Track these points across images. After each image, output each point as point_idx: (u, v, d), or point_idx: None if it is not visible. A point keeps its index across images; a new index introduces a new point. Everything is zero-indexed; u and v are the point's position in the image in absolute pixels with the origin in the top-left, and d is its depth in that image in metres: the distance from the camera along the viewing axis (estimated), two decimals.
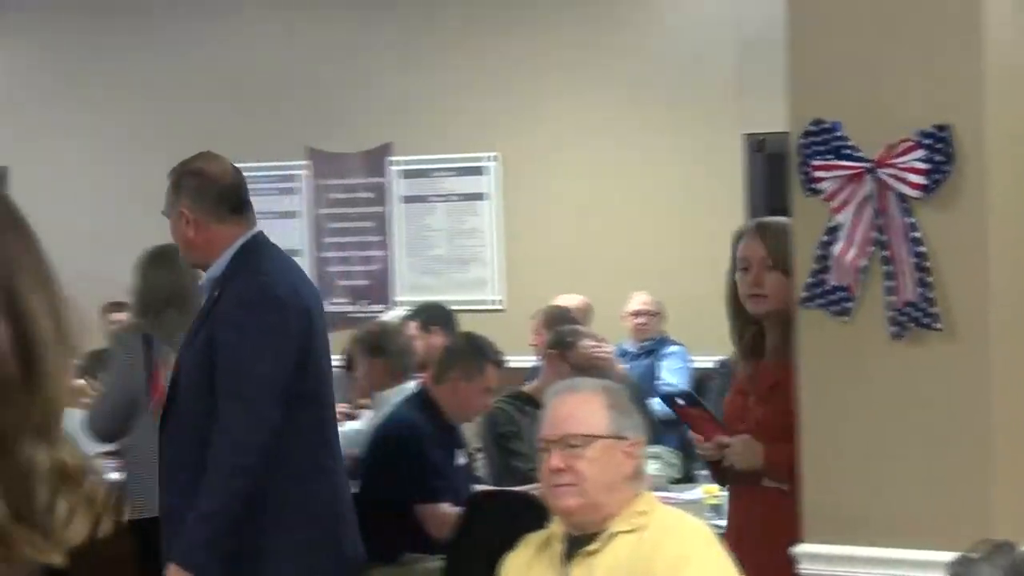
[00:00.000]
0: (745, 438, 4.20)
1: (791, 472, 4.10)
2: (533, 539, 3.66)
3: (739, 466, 4.19)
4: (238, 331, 4.21)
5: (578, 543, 3.52)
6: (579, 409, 3.58)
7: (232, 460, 4.13)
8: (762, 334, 4.35)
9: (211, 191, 4.41)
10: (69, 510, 1.35)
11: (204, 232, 4.37)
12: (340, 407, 6.97)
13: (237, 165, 9.53)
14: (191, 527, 4.14)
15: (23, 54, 10.44)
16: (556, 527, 3.60)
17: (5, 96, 10.45)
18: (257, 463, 4.14)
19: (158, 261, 5.79)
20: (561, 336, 6.64)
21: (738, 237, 4.43)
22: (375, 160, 9.67)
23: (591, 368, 6.24)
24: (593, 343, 6.54)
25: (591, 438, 3.53)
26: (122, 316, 8.51)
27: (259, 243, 4.42)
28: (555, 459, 3.52)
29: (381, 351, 6.45)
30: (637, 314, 8.29)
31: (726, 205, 8.86)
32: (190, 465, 4.21)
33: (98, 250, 9.76)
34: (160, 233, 6.24)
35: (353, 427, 6.52)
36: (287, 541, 4.25)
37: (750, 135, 8.95)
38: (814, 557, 3.89)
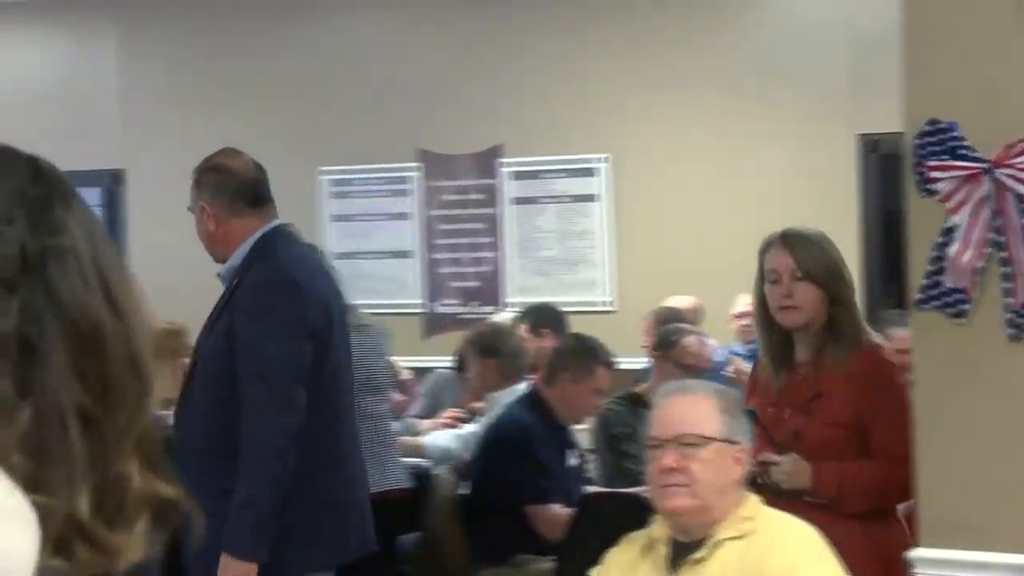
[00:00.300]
0: (794, 457, 4.14)
1: (838, 490, 4.06)
2: (636, 539, 3.62)
3: (785, 485, 4.12)
4: (254, 315, 4.26)
5: (683, 549, 3.48)
6: (692, 410, 3.55)
7: (266, 443, 4.17)
8: (789, 344, 4.31)
9: (229, 186, 4.47)
10: (142, 531, 1.39)
11: (224, 226, 4.44)
12: (451, 412, 7.02)
13: (351, 167, 9.59)
14: (236, 515, 4.19)
15: (139, 55, 10.57)
16: (659, 529, 3.56)
17: (121, 98, 10.59)
18: (290, 443, 4.17)
19: None
20: (664, 336, 6.62)
21: (765, 248, 4.39)
22: (486, 162, 9.69)
23: (695, 368, 6.23)
24: (696, 341, 6.51)
25: (706, 439, 3.50)
26: None
27: (278, 234, 4.47)
28: (668, 458, 3.48)
29: (494, 352, 6.46)
30: (742, 316, 8.24)
31: (839, 207, 8.78)
32: (201, 452, 4.26)
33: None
34: None
35: (469, 430, 6.54)
36: (301, 532, 4.26)
37: (864, 135, 8.87)
38: (930, 562, 3.85)
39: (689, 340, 6.47)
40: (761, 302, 4.34)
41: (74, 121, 10.60)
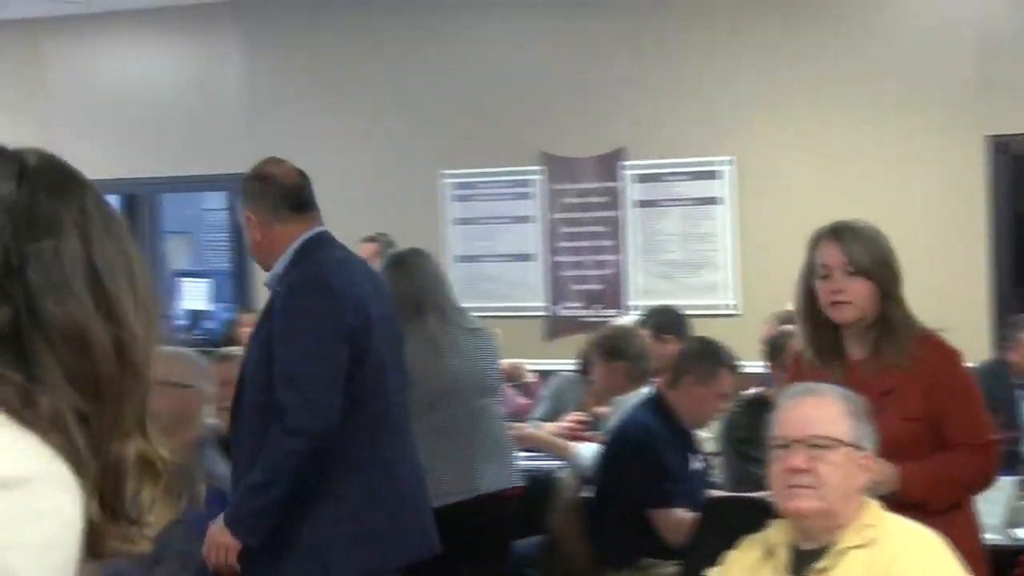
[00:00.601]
0: (881, 461, 3.93)
1: (928, 489, 3.96)
2: (754, 542, 3.58)
3: (876, 491, 3.85)
4: (289, 319, 4.28)
5: (805, 557, 3.43)
6: (822, 412, 3.51)
7: (286, 442, 4.21)
8: (836, 340, 4.22)
9: (271, 193, 4.49)
10: (152, 499, 1.42)
11: (268, 233, 4.47)
12: (574, 415, 7.02)
13: (474, 170, 9.62)
14: (245, 496, 4.27)
15: (264, 61, 10.69)
16: (779, 534, 3.51)
17: (246, 103, 10.71)
18: (310, 446, 4.19)
19: (398, 267, 5.92)
20: (773, 342, 6.58)
21: (815, 241, 4.30)
22: (609, 164, 9.68)
23: None
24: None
25: (836, 442, 3.45)
26: None
27: (320, 240, 4.48)
28: (797, 458, 3.43)
29: (620, 355, 6.45)
30: None
31: (967, 209, 8.66)
32: (251, 457, 4.31)
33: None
34: (411, 240, 6.36)
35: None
36: (341, 534, 4.28)
37: (993, 137, 8.74)
38: None
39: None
40: (807, 295, 4.25)
41: (201, 126, 10.74)
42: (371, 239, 8.81)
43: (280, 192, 4.49)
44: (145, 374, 1.46)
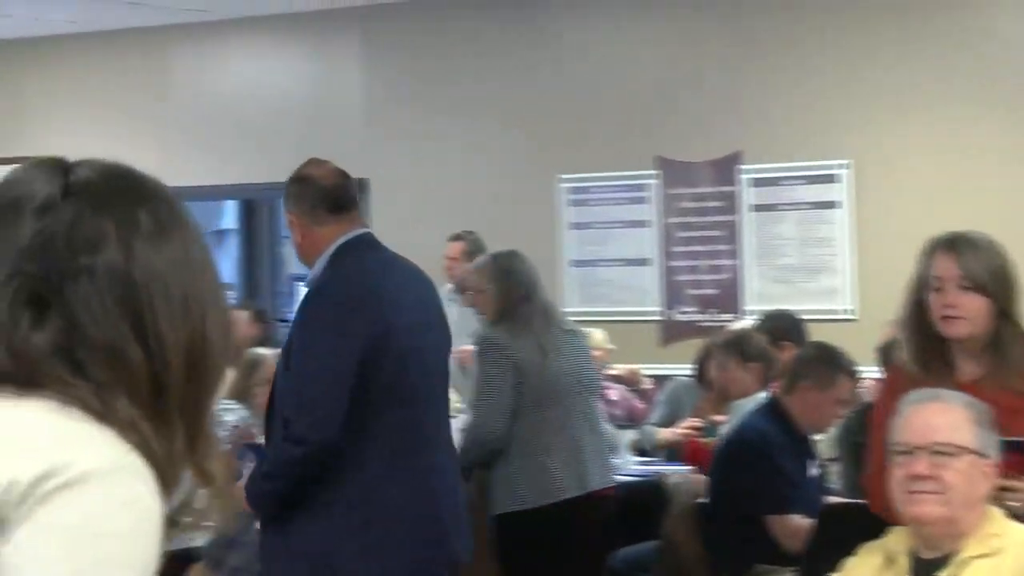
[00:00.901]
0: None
1: None
2: (873, 549, 3.54)
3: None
4: (303, 328, 4.27)
5: (927, 566, 3.39)
6: (946, 418, 3.47)
7: (287, 449, 4.20)
8: (944, 354, 4.04)
9: (309, 194, 4.46)
10: (208, 503, 1.43)
11: (308, 235, 4.44)
12: (690, 421, 6.99)
13: (590, 174, 9.61)
14: (257, 479, 4.31)
15: (382, 66, 10.76)
16: (899, 541, 3.47)
17: (364, 108, 10.79)
18: (309, 455, 4.16)
19: (496, 266, 5.96)
20: (884, 350, 6.52)
21: (929, 252, 4.13)
22: (725, 169, 9.63)
23: None
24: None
25: (961, 449, 3.41)
26: None
27: (358, 243, 4.42)
28: (921, 464, 3.40)
29: (753, 356, 6.43)
30: None
31: None
32: None
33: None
34: (526, 245, 6.38)
35: None
36: (357, 542, 4.24)
37: None
38: None
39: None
40: (917, 306, 4.11)
41: (320, 132, 10.83)
42: (458, 237, 8.84)
43: (318, 193, 4.46)
44: (174, 400, 1.49)
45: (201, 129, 11.18)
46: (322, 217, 4.43)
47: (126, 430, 1.42)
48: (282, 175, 11.61)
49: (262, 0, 10.44)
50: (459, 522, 4.49)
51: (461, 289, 8.59)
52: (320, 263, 4.40)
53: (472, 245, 8.67)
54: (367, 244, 4.47)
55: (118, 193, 1.49)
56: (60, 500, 1.36)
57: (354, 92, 10.80)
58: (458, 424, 6.81)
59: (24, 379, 1.42)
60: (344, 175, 4.58)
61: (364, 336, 4.21)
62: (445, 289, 8.76)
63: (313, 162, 4.61)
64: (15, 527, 1.35)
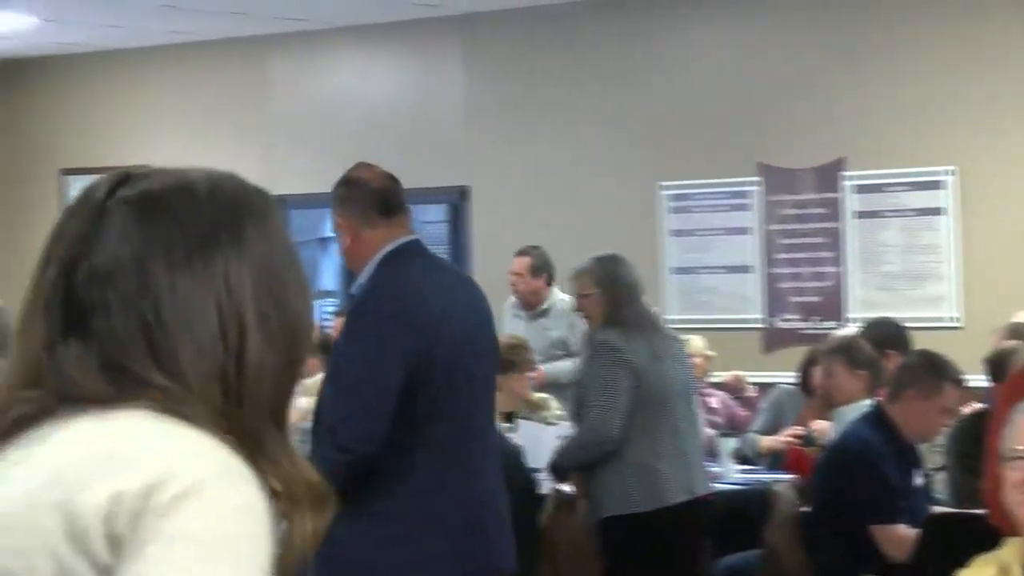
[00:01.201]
0: None
1: None
2: (987, 561, 3.49)
3: None
4: (347, 339, 4.21)
5: None
6: None
7: (328, 454, 4.08)
8: None
9: (359, 196, 4.39)
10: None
11: (358, 238, 4.35)
12: (793, 429, 6.94)
13: (691, 181, 9.57)
14: None
15: (484, 73, 10.78)
16: (1013, 553, 3.41)
17: (466, 116, 10.82)
18: (349, 466, 4.08)
19: (601, 270, 5.97)
20: (996, 358, 6.43)
21: None
22: (828, 175, 9.56)
23: None
24: None
25: None
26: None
27: (405, 250, 4.35)
28: None
29: (856, 363, 6.38)
30: None
31: None
32: None
33: (557, 270, 10.00)
34: (628, 252, 6.37)
35: None
36: (401, 553, 4.19)
37: None
38: None
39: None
40: None
41: (422, 139, 10.88)
42: (524, 252, 8.82)
43: (368, 196, 4.39)
44: (289, 393, 1.50)
45: (302, 137, 11.27)
46: (373, 220, 4.37)
47: (218, 434, 1.42)
48: None
49: (362, 9, 10.50)
50: (504, 532, 4.44)
51: (528, 305, 8.58)
52: (368, 270, 4.35)
53: (538, 260, 8.64)
54: (415, 251, 4.40)
55: (156, 208, 1.48)
56: (181, 512, 1.35)
57: (455, 100, 10.83)
58: (556, 431, 6.81)
59: (100, 395, 1.42)
60: (393, 178, 4.50)
61: (411, 348, 4.16)
62: (509, 304, 8.77)
63: (361, 165, 4.56)
64: (132, 543, 1.34)
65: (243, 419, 1.45)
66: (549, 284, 8.62)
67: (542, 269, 8.61)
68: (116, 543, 1.34)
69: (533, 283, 8.57)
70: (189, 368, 1.44)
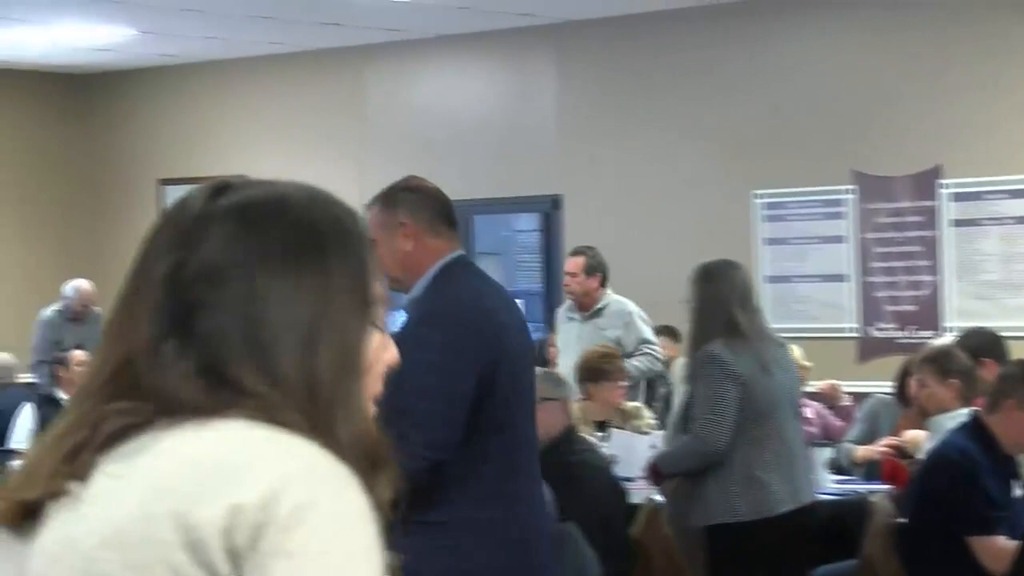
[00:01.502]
0: None
1: None
2: None
3: None
4: (418, 349, 4.11)
5: None
6: None
7: (403, 461, 4.05)
8: None
9: (428, 204, 4.36)
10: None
11: (420, 246, 4.31)
12: (889, 439, 6.88)
13: (785, 190, 9.53)
14: None
15: (576, 83, 10.79)
16: None
17: (559, 124, 10.83)
18: (422, 469, 4.03)
19: (710, 276, 5.94)
20: None
21: None
22: (924, 183, 9.48)
23: None
24: None
25: None
26: (662, 342, 8.69)
27: (461, 264, 4.35)
28: None
29: (953, 373, 6.32)
30: None
31: None
32: None
33: (650, 278, 9.99)
34: (703, 256, 6.34)
35: None
36: (448, 564, 4.16)
37: None
38: None
39: None
40: None
41: (515, 148, 10.92)
42: (578, 252, 8.79)
43: (437, 204, 4.38)
44: (364, 400, 1.49)
45: (397, 146, 11.33)
46: (439, 229, 4.35)
47: (317, 440, 1.43)
48: (478, 192, 11.78)
49: (457, 19, 10.55)
50: (548, 545, 4.45)
51: (582, 306, 8.56)
52: (420, 285, 4.33)
53: (592, 259, 8.61)
54: (468, 267, 4.44)
55: (267, 216, 1.50)
56: (302, 525, 1.35)
57: (548, 108, 10.85)
58: (650, 440, 6.80)
59: (198, 403, 1.42)
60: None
61: (482, 358, 4.18)
62: (563, 308, 8.77)
63: (415, 177, 4.59)
64: (254, 558, 1.34)
65: (333, 426, 1.45)
66: (603, 284, 8.59)
67: (596, 269, 8.58)
68: (236, 556, 1.34)
69: (587, 283, 8.53)
70: (285, 374, 1.45)
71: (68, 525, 1.40)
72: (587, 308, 8.54)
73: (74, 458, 1.42)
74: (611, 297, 8.56)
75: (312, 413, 1.45)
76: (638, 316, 8.50)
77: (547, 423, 5.69)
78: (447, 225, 4.38)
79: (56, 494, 1.41)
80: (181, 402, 1.42)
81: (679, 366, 7.62)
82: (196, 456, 1.39)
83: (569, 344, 8.43)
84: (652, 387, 8.71)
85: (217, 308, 1.45)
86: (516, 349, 4.33)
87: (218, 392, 1.43)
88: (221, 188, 1.52)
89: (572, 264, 8.67)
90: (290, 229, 1.49)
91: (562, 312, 8.80)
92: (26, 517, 1.43)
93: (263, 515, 1.35)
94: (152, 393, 1.43)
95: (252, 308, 1.45)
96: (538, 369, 4.87)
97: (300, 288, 1.47)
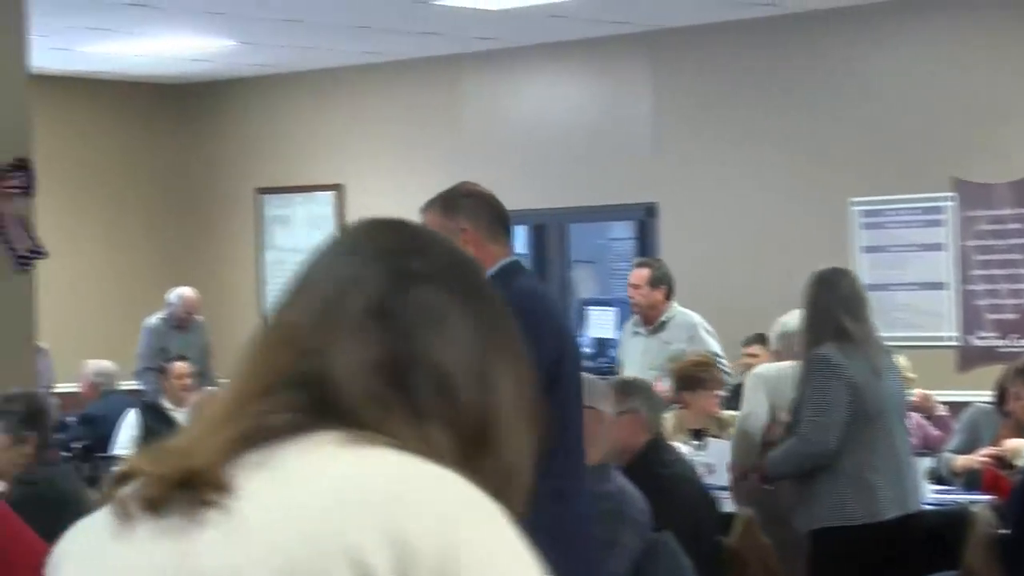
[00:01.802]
0: None
1: None
2: None
3: None
4: None
5: None
6: None
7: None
8: None
9: (486, 211, 4.40)
10: None
11: (482, 250, 4.30)
12: (989, 449, 6.80)
13: (883, 197, 9.46)
14: None
15: (672, 90, 10.76)
16: None
17: (654, 132, 10.81)
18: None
19: (819, 283, 5.92)
20: None
21: None
22: None
23: None
24: None
25: None
26: (755, 349, 8.60)
27: (517, 267, 4.41)
28: None
29: None
30: None
31: None
32: None
33: (746, 286, 9.94)
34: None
35: None
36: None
37: None
38: None
39: None
40: None
41: (610, 156, 10.91)
42: (643, 264, 8.72)
43: (494, 210, 4.44)
44: (516, 445, 1.53)
45: (492, 155, 11.35)
46: (498, 234, 4.42)
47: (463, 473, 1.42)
48: (571, 200, 11.79)
49: (552, 27, 10.56)
50: (592, 553, 4.47)
51: (647, 319, 8.47)
52: None
53: (657, 271, 8.53)
54: (521, 269, 4.51)
55: (460, 267, 1.60)
56: (475, 564, 1.35)
57: (643, 116, 10.83)
58: (718, 447, 6.79)
59: (357, 415, 1.41)
60: None
61: (551, 355, 4.21)
62: (629, 324, 8.71)
63: (470, 183, 4.63)
64: None
65: (484, 465, 1.47)
66: (668, 297, 8.50)
67: (661, 281, 8.48)
68: None
69: (652, 295, 8.44)
70: (439, 411, 1.46)
71: (229, 548, 1.35)
72: (652, 321, 8.45)
73: (234, 449, 1.38)
74: (676, 309, 8.47)
75: (473, 448, 1.46)
76: (703, 328, 8.39)
77: (624, 437, 5.69)
78: (503, 231, 4.45)
79: (214, 486, 1.36)
80: (343, 405, 1.41)
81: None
82: (361, 483, 1.36)
83: (634, 359, 8.37)
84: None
85: (403, 332, 1.46)
86: (575, 349, 4.42)
87: (379, 411, 1.42)
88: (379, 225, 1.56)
89: (636, 276, 8.57)
90: (456, 270, 1.58)
91: (628, 327, 8.75)
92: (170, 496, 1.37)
93: (432, 551, 1.33)
94: (318, 392, 1.42)
95: (447, 350, 1.48)
96: (611, 379, 4.88)
97: (466, 327, 1.53)
